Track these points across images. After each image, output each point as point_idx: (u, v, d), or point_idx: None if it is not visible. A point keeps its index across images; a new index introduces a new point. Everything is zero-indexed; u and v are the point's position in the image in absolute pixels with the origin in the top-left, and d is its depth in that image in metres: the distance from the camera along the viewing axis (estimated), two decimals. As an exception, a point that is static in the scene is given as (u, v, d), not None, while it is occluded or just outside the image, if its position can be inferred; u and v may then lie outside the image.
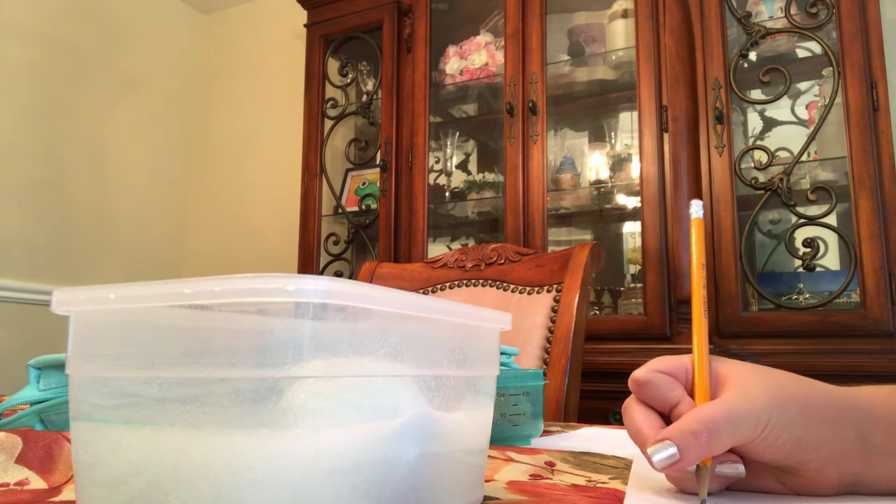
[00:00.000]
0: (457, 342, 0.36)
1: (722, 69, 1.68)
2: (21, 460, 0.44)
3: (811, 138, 1.61)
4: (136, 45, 2.82)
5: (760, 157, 1.67)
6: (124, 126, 2.76)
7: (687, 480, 0.39)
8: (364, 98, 2.31)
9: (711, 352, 0.41)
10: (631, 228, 2.06)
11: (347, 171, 2.41)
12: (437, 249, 2.18)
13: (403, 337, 0.31)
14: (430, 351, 0.34)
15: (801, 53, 1.79)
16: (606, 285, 1.96)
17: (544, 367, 1.12)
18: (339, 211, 2.32)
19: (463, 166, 2.35)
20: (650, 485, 0.42)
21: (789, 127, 1.87)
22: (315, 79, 2.33)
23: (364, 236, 2.23)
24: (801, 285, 1.65)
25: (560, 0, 2.03)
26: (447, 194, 2.17)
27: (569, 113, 2.15)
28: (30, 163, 2.41)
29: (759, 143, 1.80)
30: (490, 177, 2.10)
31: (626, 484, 0.43)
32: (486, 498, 0.39)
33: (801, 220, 1.59)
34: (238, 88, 3.02)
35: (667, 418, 0.39)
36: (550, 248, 1.87)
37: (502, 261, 1.28)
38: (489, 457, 0.49)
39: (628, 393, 0.41)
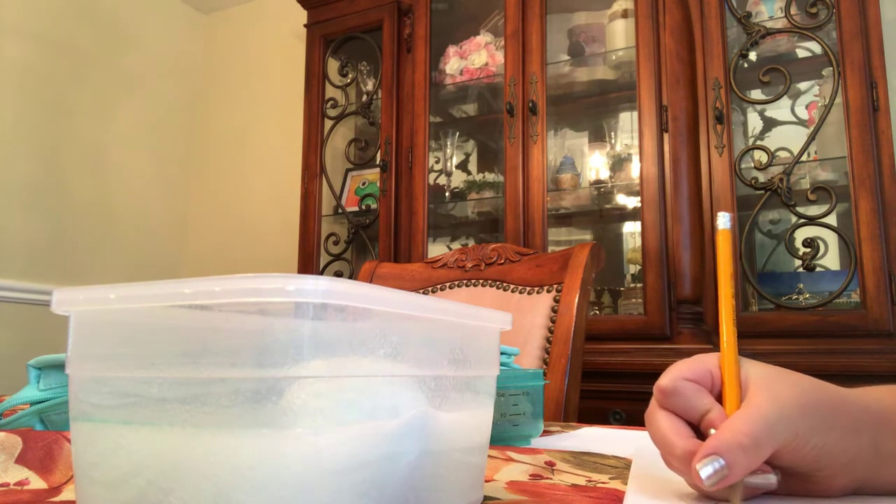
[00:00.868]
0: (457, 342, 0.36)
1: (722, 69, 1.68)
2: (21, 460, 0.44)
3: (811, 138, 1.61)
4: (136, 45, 2.82)
5: (760, 157, 1.67)
6: (124, 126, 2.76)
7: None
8: (364, 98, 2.31)
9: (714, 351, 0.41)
10: (631, 228, 2.06)
11: (347, 171, 2.41)
12: (437, 249, 2.18)
13: (403, 337, 0.31)
14: (430, 351, 0.34)
15: (801, 53, 1.79)
16: (606, 285, 1.96)
17: (544, 367, 1.12)
18: (339, 211, 2.32)
19: (463, 166, 2.35)
20: (650, 485, 0.42)
21: (789, 127, 1.87)
22: (315, 79, 2.33)
23: (364, 236, 2.23)
24: (801, 285, 1.65)
25: (560, 0, 2.03)
26: (447, 194, 2.17)
27: (569, 113, 2.15)
28: (30, 163, 2.41)
29: (759, 143, 1.80)
30: (490, 177, 2.10)
31: (625, 484, 0.43)
32: (486, 498, 0.39)
33: (801, 220, 1.59)
34: (238, 88, 3.02)
35: (693, 426, 0.38)
36: (550, 248, 1.87)
37: (502, 261, 1.28)
38: (489, 457, 0.49)
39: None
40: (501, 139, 1.93)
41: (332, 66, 2.36)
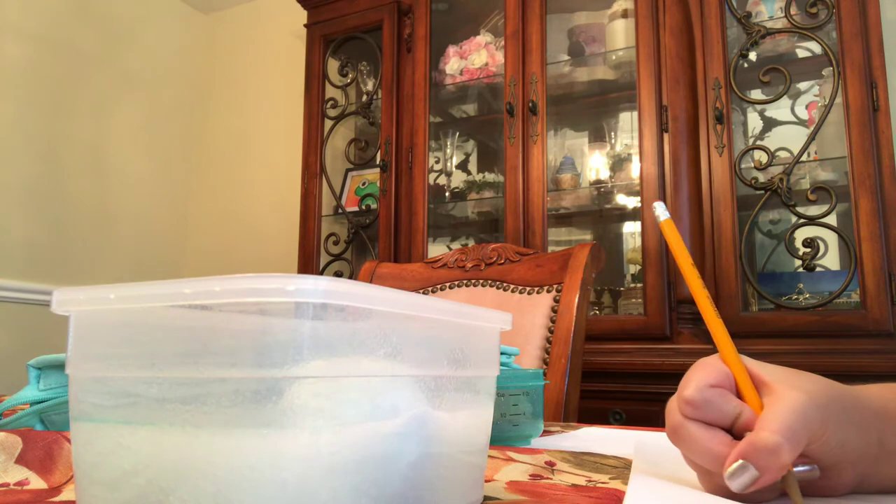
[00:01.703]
0: (457, 342, 0.36)
1: (722, 69, 1.68)
2: (21, 460, 0.44)
3: (811, 138, 1.61)
4: (136, 45, 2.82)
5: (760, 157, 1.67)
6: (124, 126, 2.76)
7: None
8: (364, 98, 2.31)
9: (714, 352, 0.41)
10: (631, 228, 2.06)
11: (347, 171, 2.41)
12: (437, 249, 2.18)
13: (403, 337, 0.31)
14: (430, 351, 0.34)
15: (801, 53, 1.79)
16: (606, 285, 1.96)
17: (544, 367, 1.12)
18: (339, 211, 2.32)
19: (463, 166, 2.35)
20: (650, 484, 0.42)
21: (789, 127, 1.87)
22: (315, 79, 2.33)
23: (364, 236, 2.23)
24: (801, 285, 1.65)
25: (560, 0, 2.03)
26: (447, 194, 2.17)
27: (569, 113, 2.15)
28: (29, 163, 2.41)
29: (759, 143, 1.80)
30: (490, 177, 2.10)
31: (626, 484, 0.43)
32: (486, 498, 0.39)
33: (801, 220, 1.59)
34: (238, 88, 3.02)
35: (728, 431, 0.37)
36: (550, 248, 1.87)
37: (502, 261, 1.28)
38: (489, 457, 0.49)
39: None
40: (501, 139, 1.93)
41: (332, 66, 2.36)
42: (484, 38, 2.12)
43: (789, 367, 0.39)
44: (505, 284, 1.26)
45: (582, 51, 2.03)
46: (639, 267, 1.81)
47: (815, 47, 1.71)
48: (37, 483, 0.42)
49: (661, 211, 0.41)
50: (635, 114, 1.79)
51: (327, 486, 0.27)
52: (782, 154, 1.71)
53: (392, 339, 0.30)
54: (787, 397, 0.35)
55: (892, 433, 0.37)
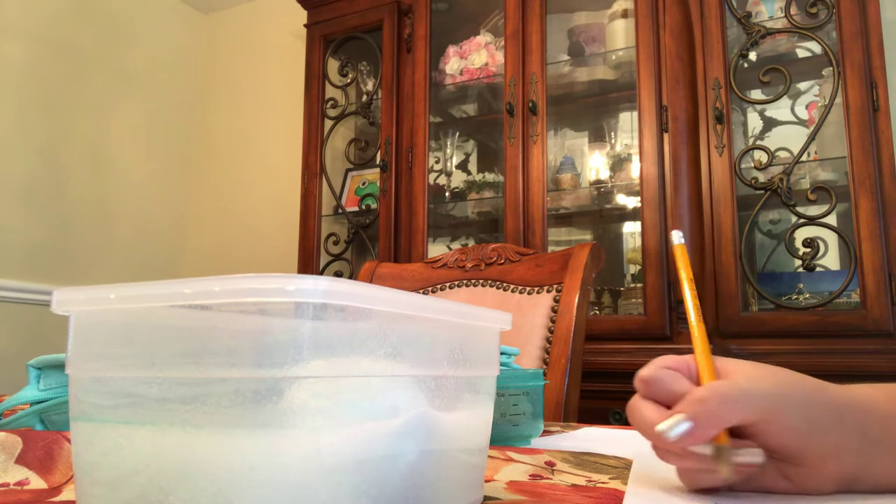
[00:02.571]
0: (457, 342, 0.36)
1: (722, 69, 1.68)
2: (21, 460, 0.44)
3: (811, 138, 1.61)
4: (136, 45, 2.82)
5: (760, 157, 1.67)
6: (124, 126, 2.76)
7: (701, 474, 0.39)
8: (364, 98, 2.31)
9: (712, 352, 0.42)
10: (631, 228, 2.06)
11: (347, 171, 2.41)
12: (437, 249, 2.18)
13: (403, 337, 0.31)
14: (430, 351, 0.34)
15: (801, 53, 1.79)
16: (606, 285, 1.96)
17: (544, 367, 1.12)
18: (339, 211, 2.32)
19: (463, 166, 2.35)
20: (650, 485, 0.42)
21: (789, 127, 1.87)
22: (315, 79, 2.33)
23: (364, 236, 2.23)
24: (801, 285, 1.65)
25: (560, 0, 2.03)
26: (447, 194, 2.17)
27: (569, 113, 2.15)
28: (30, 163, 2.41)
29: (759, 143, 1.80)
30: (490, 177, 2.10)
31: (626, 484, 0.43)
32: (486, 498, 0.39)
33: (801, 220, 1.59)
34: (238, 88, 3.02)
35: None
36: (550, 248, 1.87)
37: (502, 261, 1.28)
38: (489, 457, 0.49)
39: (629, 393, 0.42)
40: (501, 139, 1.93)
41: (332, 66, 2.36)
42: (484, 38, 2.12)
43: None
44: (505, 284, 1.26)
45: (582, 51, 2.03)
46: (639, 267, 1.81)
47: (815, 47, 1.71)
48: (37, 483, 0.42)
49: (676, 238, 0.47)
50: (635, 114, 1.79)
51: (327, 486, 0.27)
52: (782, 154, 1.71)
53: (392, 339, 0.31)
54: (729, 378, 0.38)
55: (878, 427, 0.38)
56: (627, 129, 2.00)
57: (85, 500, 0.30)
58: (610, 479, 0.45)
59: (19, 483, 0.42)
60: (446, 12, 2.22)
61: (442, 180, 2.22)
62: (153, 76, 2.89)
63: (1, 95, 2.34)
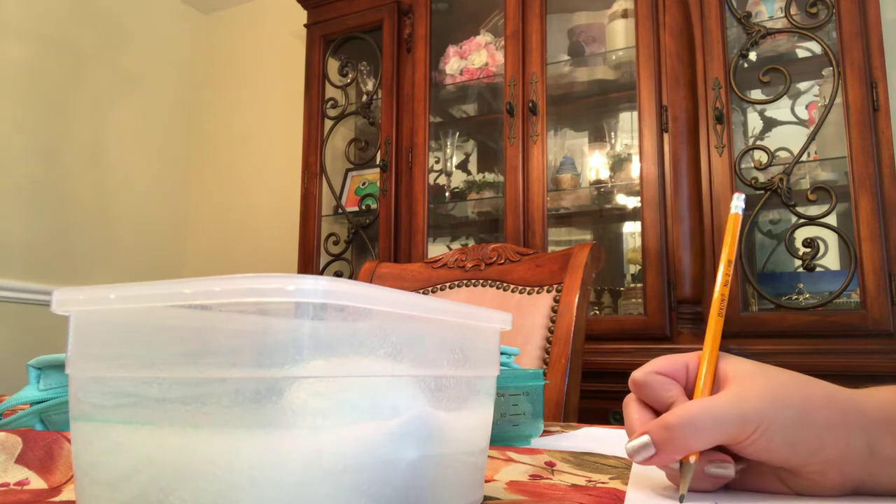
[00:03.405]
0: (457, 342, 0.36)
1: (722, 69, 1.68)
2: (21, 460, 0.44)
3: (811, 138, 1.61)
4: (136, 45, 2.82)
5: (760, 157, 1.67)
6: (124, 126, 2.76)
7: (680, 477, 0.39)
8: (364, 98, 2.31)
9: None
10: (631, 228, 2.06)
11: (347, 171, 2.41)
12: (437, 249, 2.18)
13: (403, 337, 0.31)
14: (430, 351, 0.34)
15: (801, 53, 1.79)
16: (606, 285, 1.96)
17: (544, 367, 1.12)
18: (339, 211, 2.32)
19: (463, 166, 2.35)
20: (650, 484, 0.42)
21: (789, 127, 1.87)
22: (315, 79, 2.33)
23: (364, 236, 2.23)
24: (801, 285, 1.65)
25: (560, 0, 2.03)
26: (447, 194, 2.17)
27: (569, 113, 2.15)
28: (30, 163, 2.41)
29: (759, 143, 1.80)
30: (490, 177, 2.10)
31: (626, 484, 0.43)
32: (486, 498, 0.39)
33: (801, 220, 1.59)
34: (238, 88, 3.02)
35: None
36: (550, 248, 1.87)
37: (502, 261, 1.28)
38: (489, 457, 0.49)
39: (628, 393, 0.42)
40: (501, 139, 1.93)
41: (332, 66, 2.36)
42: (484, 38, 2.12)
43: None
44: (505, 284, 1.26)
45: (582, 51, 2.03)
46: (639, 267, 1.81)
47: (815, 47, 1.71)
48: (37, 483, 0.42)
49: (738, 202, 0.44)
50: (635, 114, 1.79)
51: (327, 486, 0.27)
52: (782, 154, 1.71)
53: (392, 339, 0.30)
54: (714, 398, 0.37)
55: (890, 440, 0.36)
56: (627, 129, 2.00)
57: (85, 500, 0.30)
58: (610, 479, 0.45)
59: (19, 483, 0.42)
60: (446, 12, 2.22)
61: (442, 180, 2.22)
62: (153, 76, 2.89)
63: (1, 95, 2.34)
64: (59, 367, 0.58)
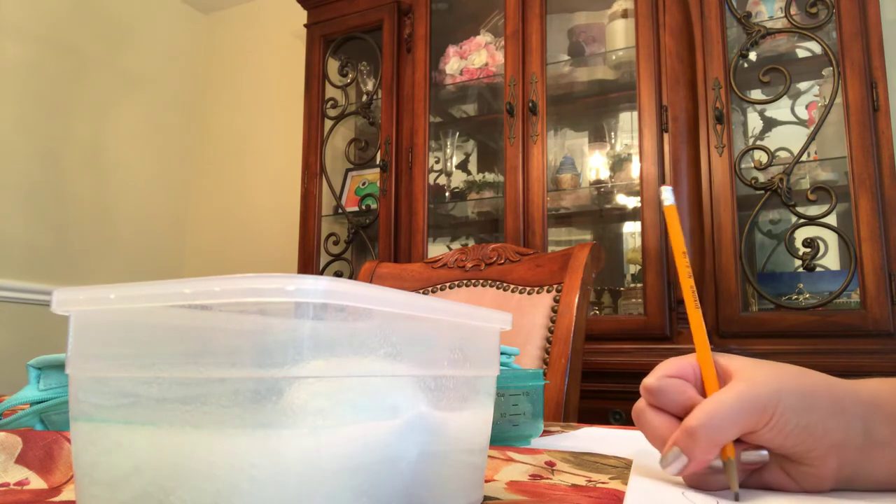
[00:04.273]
0: (457, 342, 0.36)
1: (722, 69, 1.68)
2: (21, 460, 0.44)
3: (811, 138, 1.61)
4: (136, 45, 2.82)
5: (760, 157, 1.67)
6: (124, 126, 2.76)
7: (706, 477, 0.39)
8: (364, 98, 2.31)
9: (712, 350, 0.42)
10: (631, 228, 2.06)
11: (347, 171, 2.41)
12: (437, 249, 2.18)
13: (403, 337, 0.31)
14: (430, 351, 0.34)
15: (801, 53, 1.79)
16: (606, 285, 1.96)
17: (544, 367, 1.12)
18: (339, 211, 2.32)
19: (463, 166, 2.35)
20: (650, 485, 0.42)
21: (789, 127, 1.87)
22: (315, 79, 2.33)
23: (364, 236, 2.23)
24: (801, 285, 1.65)
25: (560, 0, 2.03)
26: (447, 194, 2.17)
27: (569, 113, 2.15)
28: (29, 163, 2.41)
29: (759, 143, 1.80)
30: (490, 177, 2.10)
31: (626, 484, 0.43)
32: (486, 498, 0.39)
33: (801, 220, 1.59)
34: (238, 88, 3.02)
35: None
36: (550, 248, 1.87)
37: (502, 261, 1.28)
38: (489, 457, 0.49)
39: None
40: (501, 139, 1.93)
41: (332, 66, 2.36)
42: (484, 38, 2.12)
43: None
44: (505, 284, 1.26)
45: (582, 51, 2.03)
46: (639, 267, 1.81)
47: (815, 47, 1.71)
48: (37, 483, 0.42)
49: (667, 195, 0.43)
50: (635, 114, 1.79)
51: (327, 486, 0.27)
52: (782, 154, 1.71)
53: (392, 339, 0.30)
54: (725, 389, 0.38)
55: (881, 423, 0.38)
56: (627, 129, 2.00)
57: (85, 500, 0.30)
58: (610, 479, 0.45)
59: (19, 483, 0.42)
60: (446, 12, 2.22)
61: (442, 180, 2.22)
62: (153, 76, 2.89)
63: (1, 95, 2.34)
64: (59, 367, 0.58)
